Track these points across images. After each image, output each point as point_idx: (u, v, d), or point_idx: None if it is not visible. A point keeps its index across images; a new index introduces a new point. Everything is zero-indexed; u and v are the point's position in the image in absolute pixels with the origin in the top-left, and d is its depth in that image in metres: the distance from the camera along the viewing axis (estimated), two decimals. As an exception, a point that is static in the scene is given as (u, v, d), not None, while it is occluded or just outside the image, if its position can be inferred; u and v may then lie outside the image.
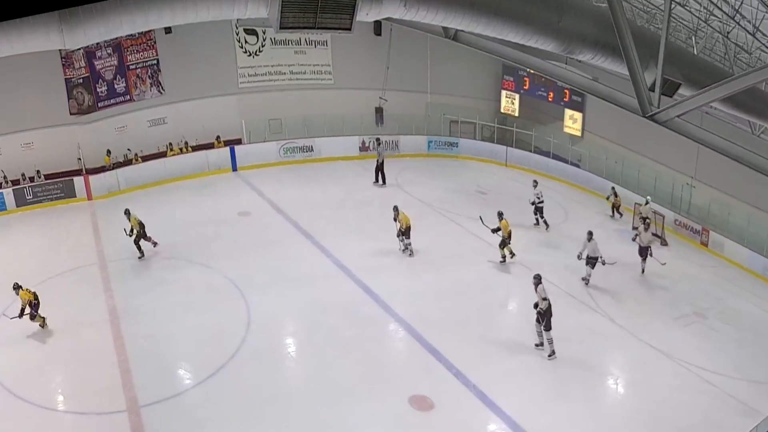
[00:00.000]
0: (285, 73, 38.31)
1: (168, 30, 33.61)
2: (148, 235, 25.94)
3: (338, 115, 36.52)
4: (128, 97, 35.27)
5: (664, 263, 24.02)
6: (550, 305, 19.44)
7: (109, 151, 34.04)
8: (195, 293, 23.49)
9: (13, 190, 31.67)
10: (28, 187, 31.93)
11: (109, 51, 34.11)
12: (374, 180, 33.13)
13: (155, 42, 35.30)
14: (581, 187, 31.80)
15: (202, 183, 33.86)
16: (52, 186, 32.27)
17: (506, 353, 19.92)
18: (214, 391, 18.53)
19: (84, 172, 33.04)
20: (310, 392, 18.58)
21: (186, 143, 35.55)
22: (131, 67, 35.09)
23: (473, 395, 18.03)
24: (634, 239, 24.67)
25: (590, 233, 23.10)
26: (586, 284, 23.35)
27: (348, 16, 14.02)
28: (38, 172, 32.50)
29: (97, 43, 32.58)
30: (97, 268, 25.60)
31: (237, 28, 36.64)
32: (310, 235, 27.07)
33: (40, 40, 13.70)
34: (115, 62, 34.54)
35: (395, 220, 25.46)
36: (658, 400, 17.86)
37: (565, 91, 33.98)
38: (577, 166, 33.16)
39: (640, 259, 24.31)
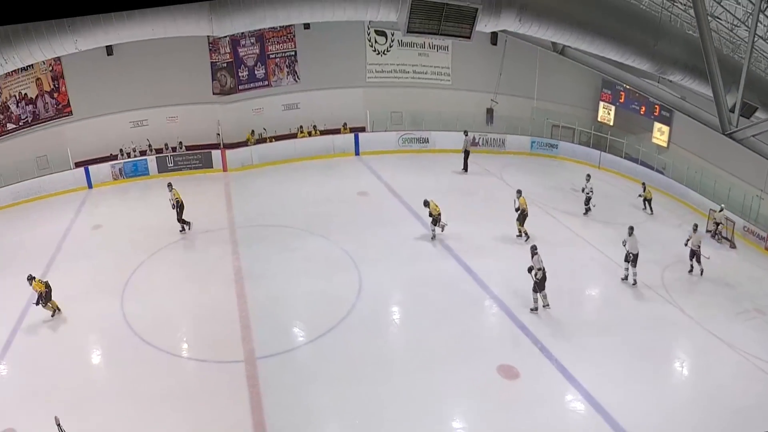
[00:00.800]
0: (408, 72, 38.43)
1: (307, 26, 34.45)
2: (182, 217, 26.07)
3: (453, 112, 36.51)
4: (266, 82, 36.24)
5: (708, 257, 23.63)
6: (544, 274, 20.30)
7: (253, 131, 35.23)
8: (313, 262, 23.96)
9: (156, 157, 33.13)
10: (170, 156, 33.30)
11: (252, 40, 35.09)
12: (462, 167, 33.36)
13: (294, 35, 36.04)
14: (664, 192, 31.41)
15: (327, 164, 34.38)
16: (192, 156, 33.56)
17: (587, 333, 19.94)
18: (324, 351, 18.99)
19: (222, 146, 34.10)
20: (409, 357, 18.96)
21: (315, 127, 36.17)
22: (271, 56, 35.99)
23: (555, 368, 18.28)
24: (686, 244, 23.96)
25: (631, 228, 22.65)
26: (634, 284, 22.64)
27: (468, 26, 14.63)
28: (180, 143, 33.81)
29: (242, 33, 33.61)
30: (227, 233, 26.42)
31: (369, 29, 37.13)
32: (420, 218, 27.08)
33: (191, 26, 14.37)
34: (257, 51, 35.51)
35: (426, 205, 25.59)
36: (717, 385, 17.85)
37: (656, 106, 33.71)
38: (662, 173, 32.98)
39: (694, 260, 23.72)
